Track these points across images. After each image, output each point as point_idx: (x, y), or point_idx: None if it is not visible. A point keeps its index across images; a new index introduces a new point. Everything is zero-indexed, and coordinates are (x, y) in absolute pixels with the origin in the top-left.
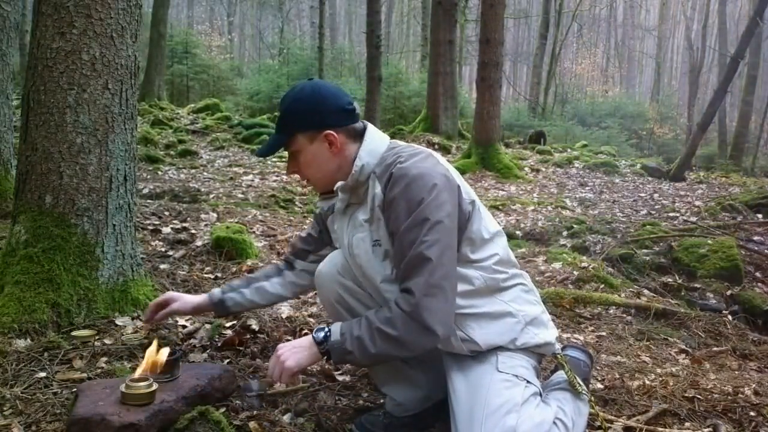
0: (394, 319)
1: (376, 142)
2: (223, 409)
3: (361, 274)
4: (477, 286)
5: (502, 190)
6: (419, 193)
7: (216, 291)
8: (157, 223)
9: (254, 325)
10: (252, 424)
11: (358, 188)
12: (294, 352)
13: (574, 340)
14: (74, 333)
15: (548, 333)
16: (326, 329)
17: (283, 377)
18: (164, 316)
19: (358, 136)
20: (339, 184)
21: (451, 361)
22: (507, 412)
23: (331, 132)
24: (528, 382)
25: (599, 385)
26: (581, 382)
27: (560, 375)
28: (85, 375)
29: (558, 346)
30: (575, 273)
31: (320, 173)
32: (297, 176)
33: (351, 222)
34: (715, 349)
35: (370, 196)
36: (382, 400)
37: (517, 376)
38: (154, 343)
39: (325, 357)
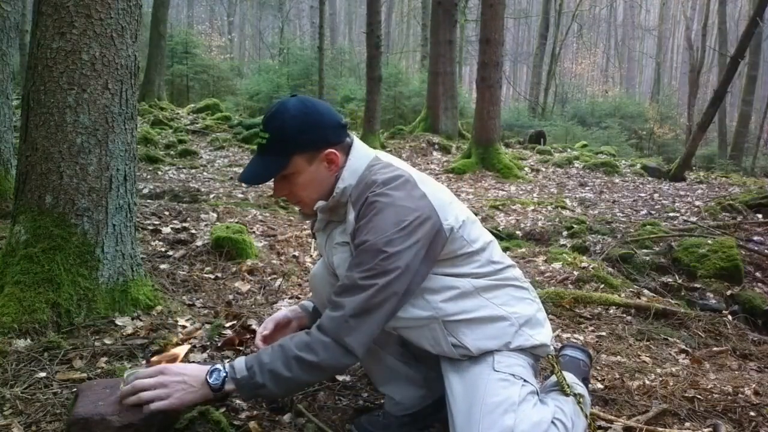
0: (312, 344)
1: (359, 160)
2: (223, 409)
3: None
4: (464, 289)
5: (502, 190)
6: (384, 227)
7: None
8: (157, 223)
9: (254, 325)
10: (252, 424)
11: (338, 208)
12: (183, 389)
13: (574, 340)
14: None
15: (543, 333)
16: (222, 370)
17: (153, 407)
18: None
19: (349, 151)
20: (319, 204)
21: (447, 362)
22: (504, 411)
23: (333, 150)
24: (525, 380)
25: (599, 385)
26: (570, 384)
27: None
28: (85, 375)
29: (552, 348)
30: (575, 273)
31: (317, 194)
32: (284, 197)
33: (329, 240)
34: (715, 349)
35: (348, 220)
36: (382, 400)
37: (513, 375)
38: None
39: (225, 396)
